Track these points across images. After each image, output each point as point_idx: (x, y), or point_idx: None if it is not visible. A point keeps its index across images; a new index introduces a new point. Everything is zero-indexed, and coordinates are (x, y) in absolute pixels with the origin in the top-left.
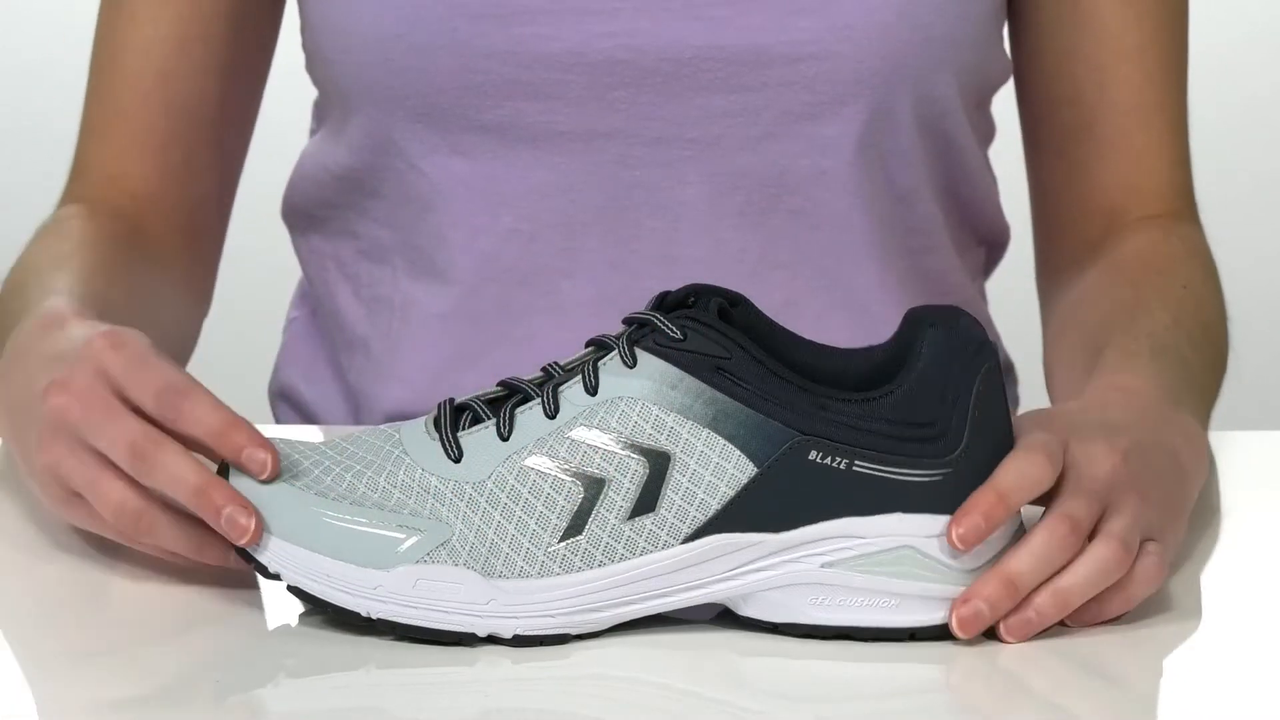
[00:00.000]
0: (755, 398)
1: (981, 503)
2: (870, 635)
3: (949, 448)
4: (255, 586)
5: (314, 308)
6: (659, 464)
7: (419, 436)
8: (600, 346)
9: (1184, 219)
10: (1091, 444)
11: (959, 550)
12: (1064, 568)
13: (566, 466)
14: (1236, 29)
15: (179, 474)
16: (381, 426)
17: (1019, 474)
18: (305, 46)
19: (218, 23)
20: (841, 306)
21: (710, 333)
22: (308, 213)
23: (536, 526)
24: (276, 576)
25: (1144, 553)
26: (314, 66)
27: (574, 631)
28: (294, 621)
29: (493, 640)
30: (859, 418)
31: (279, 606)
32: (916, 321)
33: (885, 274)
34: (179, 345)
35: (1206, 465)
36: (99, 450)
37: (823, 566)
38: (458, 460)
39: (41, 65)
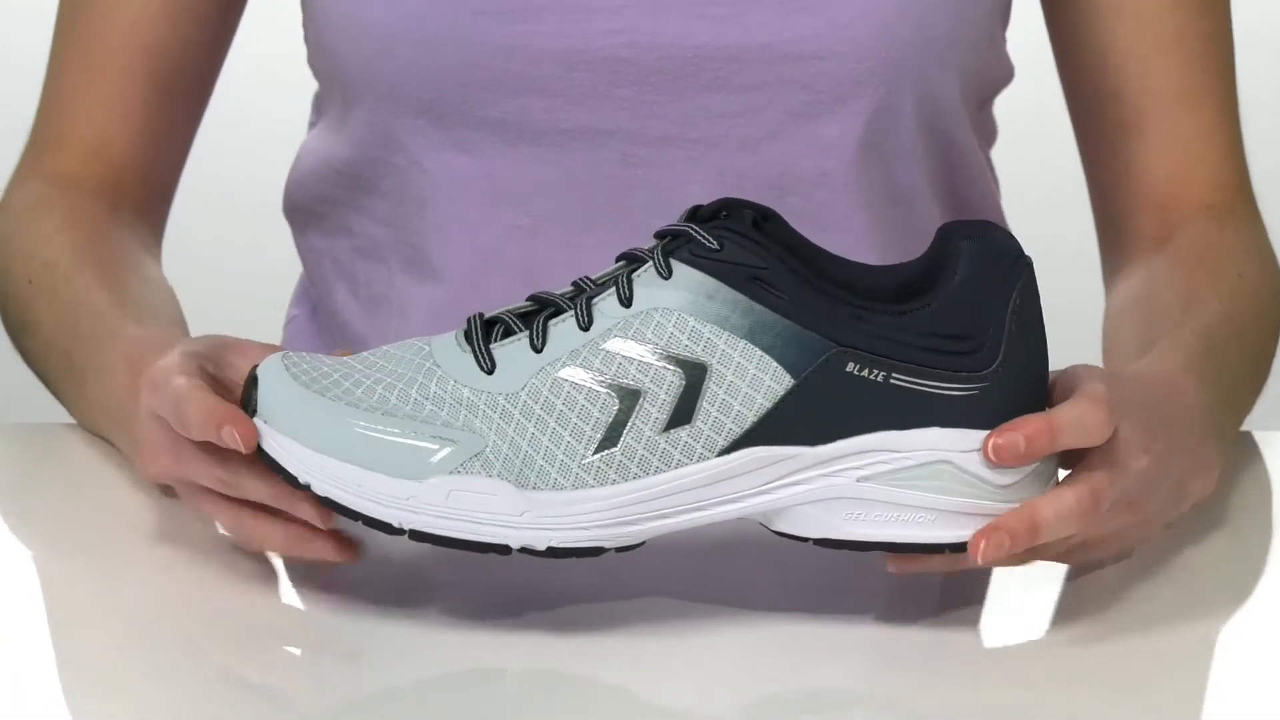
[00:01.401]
0: (792, 308)
1: (1029, 426)
2: (906, 549)
3: (985, 361)
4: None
5: (314, 306)
6: (695, 375)
7: (450, 349)
8: (632, 260)
9: (1239, 210)
10: (1136, 430)
11: (990, 461)
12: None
13: (601, 378)
14: (1241, 27)
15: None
16: (410, 340)
17: (1078, 419)
18: (307, 39)
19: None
20: None
21: (746, 243)
22: (307, 209)
23: (570, 438)
24: (306, 487)
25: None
26: (316, 59)
27: (608, 545)
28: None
29: (526, 552)
30: (896, 329)
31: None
32: (949, 236)
33: None
34: (178, 313)
35: (1210, 488)
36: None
37: (859, 481)
38: (490, 372)
39: (41, 65)
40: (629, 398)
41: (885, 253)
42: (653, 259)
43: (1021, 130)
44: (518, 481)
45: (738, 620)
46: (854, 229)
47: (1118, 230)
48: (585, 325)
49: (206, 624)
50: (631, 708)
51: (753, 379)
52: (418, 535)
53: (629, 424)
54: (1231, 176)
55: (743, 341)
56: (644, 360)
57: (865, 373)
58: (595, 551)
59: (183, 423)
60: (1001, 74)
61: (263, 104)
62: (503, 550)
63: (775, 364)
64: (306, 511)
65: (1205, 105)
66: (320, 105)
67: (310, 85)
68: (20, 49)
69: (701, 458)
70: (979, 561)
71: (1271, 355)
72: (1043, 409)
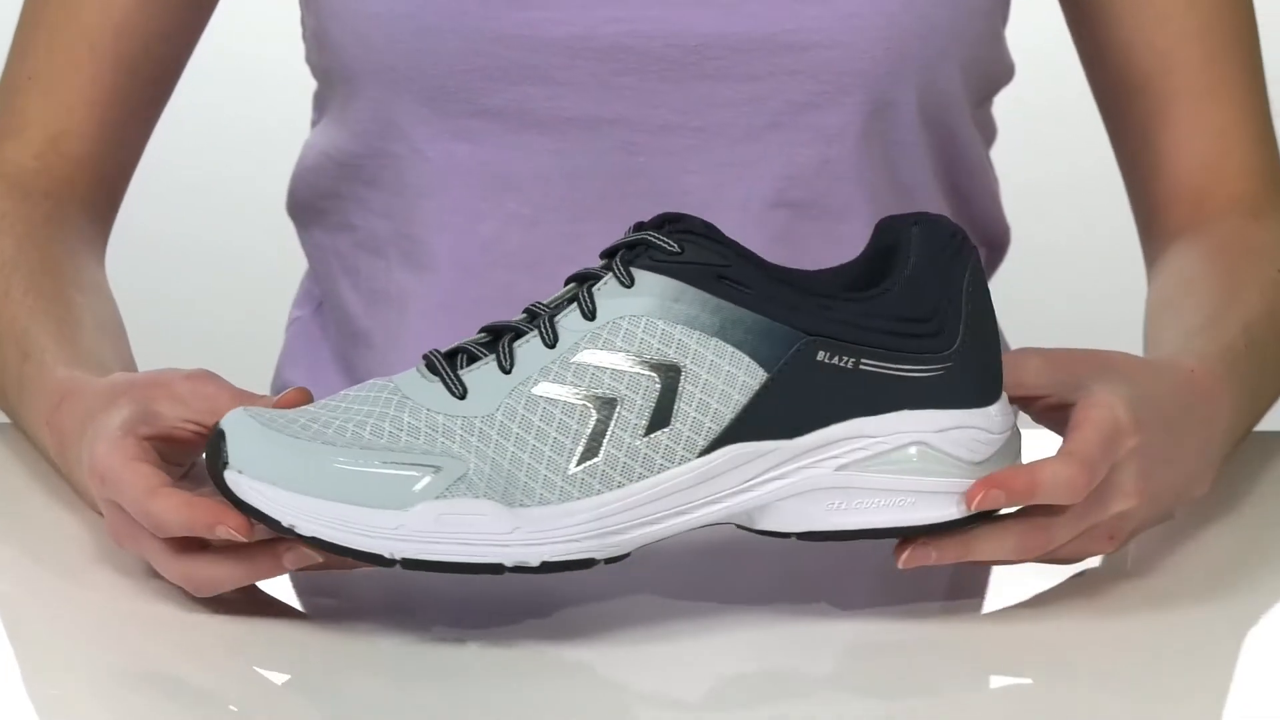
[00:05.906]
0: (760, 301)
1: (1013, 483)
2: (888, 534)
3: (947, 342)
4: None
5: (318, 303)
6: (670, 377)
7: (415, 382)
8: (584, 278)
9: (1273, 203)
10: (1133, 464)
11: (968, 509)
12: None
13: (575, 390)
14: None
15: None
16: (370, 381)
17: (1058, 482)
18: (308, 35)
19: None
20: None
21: (706, 243)
22: (310, 205)
23: (552, 453)
24: (291, 530)
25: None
26: (318, 52)
27: (598, 556)
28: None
29: (520, 570)
30: (862, 315)
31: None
32: (889, 228)
33: None
34: (120, 329)
35: (1205, 490)
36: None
37: (837, 470)
38: (462, 397)
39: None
40: (606, 407)
41: None
42: (612, 270)
43: (1020, 130)
44: (504, 500)
45: (730, 620)
46: (857, 220)
47: (1153, 223)
48: (551, 342)
49: (207, 625)
50: (628, 708)
51: (727, 375)
52: (410, 563)
53: (608, 433)
54: (1262, 170)
55: (714, 339)
56: (617, 368)
57: (836, 360)
58: (587, 564)
59: (159, 526)
60: (1002, 71)
61: (264, 106)
62: (496, 570)
63: (748, 359)
64: (294, 559)
65: (1232, 98)
66: (320, 102)
67: (310, 86)
68: None
69: (683, 459)
70: (972, 507)
71: None
72: (999, 388)
